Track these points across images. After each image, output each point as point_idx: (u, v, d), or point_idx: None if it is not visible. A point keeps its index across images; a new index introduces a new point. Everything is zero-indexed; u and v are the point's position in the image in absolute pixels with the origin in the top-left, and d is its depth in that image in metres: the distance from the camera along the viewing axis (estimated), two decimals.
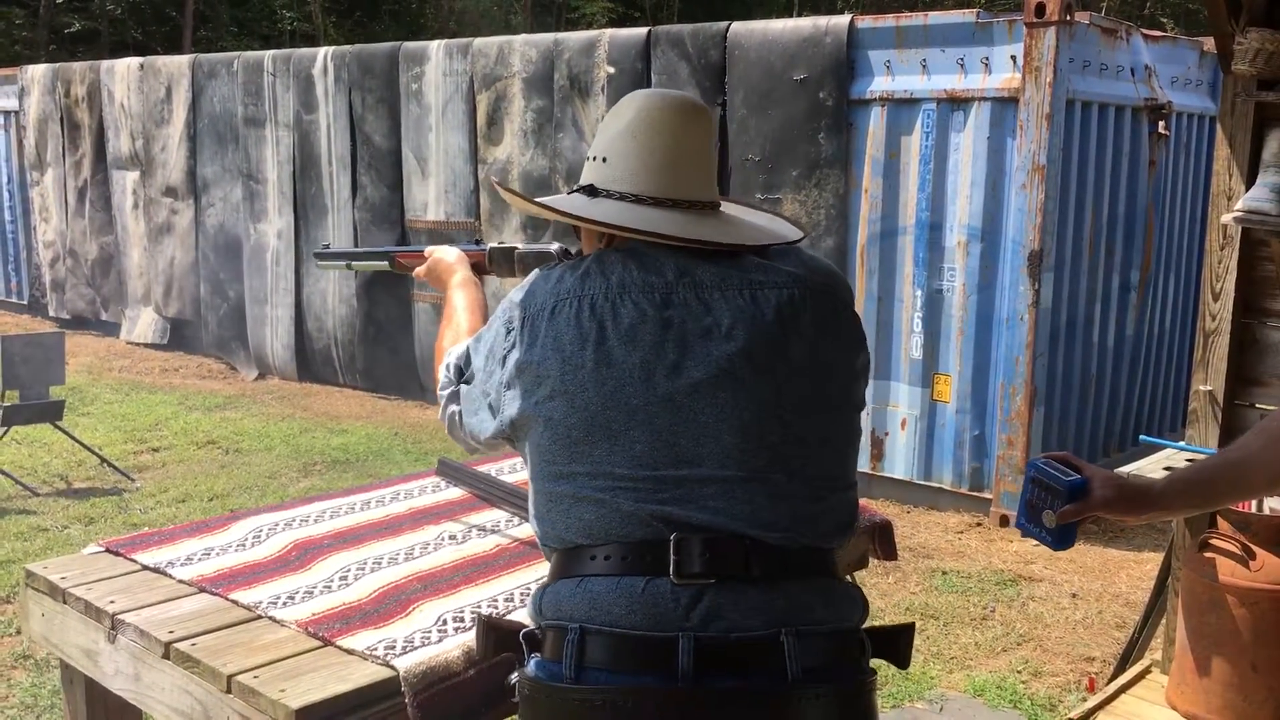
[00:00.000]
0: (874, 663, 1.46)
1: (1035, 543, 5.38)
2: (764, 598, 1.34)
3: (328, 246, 2.36)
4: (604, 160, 1.58)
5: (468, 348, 1.68)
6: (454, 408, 1.70)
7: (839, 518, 1.47)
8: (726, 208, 1.65)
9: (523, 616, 1.60)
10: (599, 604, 1.34)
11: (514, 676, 1.43)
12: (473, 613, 1.73)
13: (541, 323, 1.48)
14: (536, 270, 1.58)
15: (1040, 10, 5.23)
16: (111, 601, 1.76)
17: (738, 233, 1.58)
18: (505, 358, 1.52)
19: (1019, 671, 3.95)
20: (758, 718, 1.30)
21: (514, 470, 2.47)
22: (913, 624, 1.53)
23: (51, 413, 5.95)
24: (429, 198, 7.80)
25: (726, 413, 1.41)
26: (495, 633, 1.48)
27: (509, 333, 1.53)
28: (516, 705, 1.43)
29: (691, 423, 1.40)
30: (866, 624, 1.47)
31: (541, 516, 1.48)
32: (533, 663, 1.41)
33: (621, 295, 1.46)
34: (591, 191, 1.57)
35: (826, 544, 1.44)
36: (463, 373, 1.69)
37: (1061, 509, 1.62)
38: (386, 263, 2.33)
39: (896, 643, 1.47)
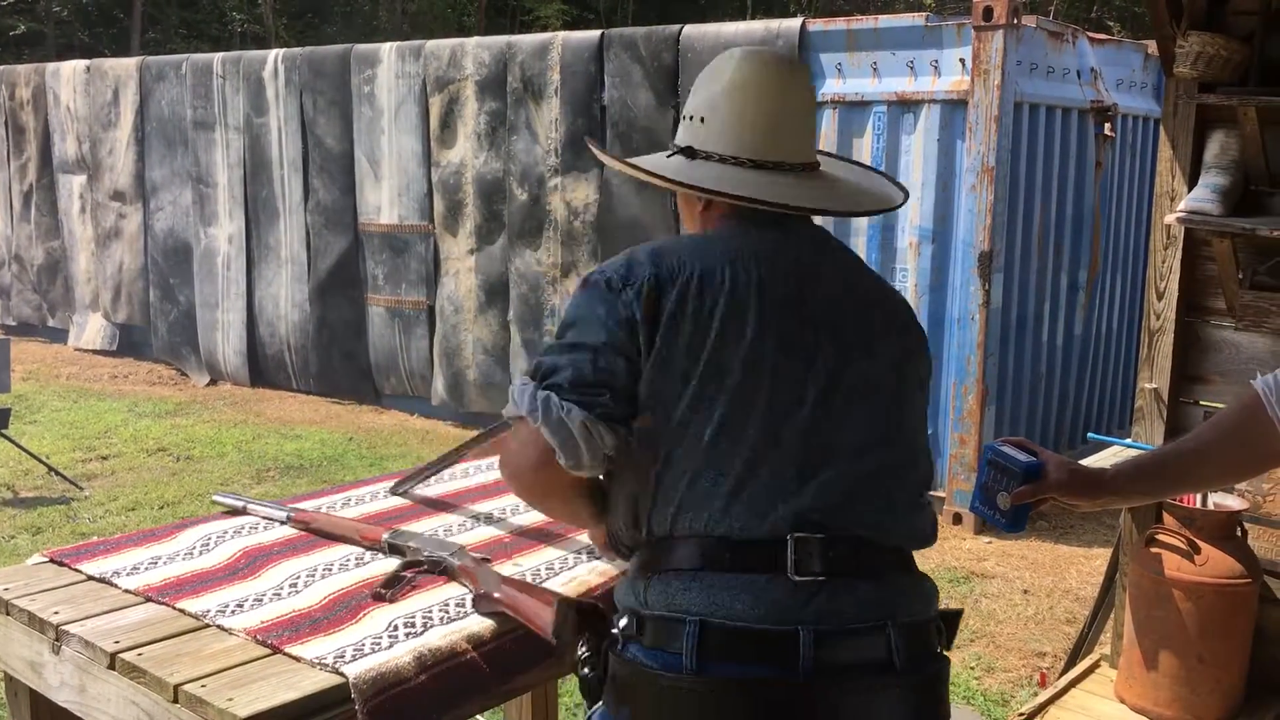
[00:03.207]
0: None
1: (989, 540, 5.40)
2: (873, 593, 1.39)
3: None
4: (701, 121, 1.54)
5: (555, 345, 1.48)
6: (542, 392, 1.44)
7: (928, 521, 1.53)
8: (826, 165, 1.62)
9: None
10: (719, 599, 1.36)
11: (584, 651, 1.46)
12: (424, 618, 1.72)
13: (689, 291, 1.41)
14: (638, 248, 1.47)
15: (988, 14, 5.29)
16: (56, 612, 1.73)
17: (841, 197, 1.57)
18: (633, 320, 1.41)
19: (972, 668, 3.99)
20: (870, 703, 1.36)
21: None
22: (961, 610, 1.61)
23: None
24: (382, 201, 7.75)
25: (855, 414, 1.45)
26: (577, 614, 1.51)
27: (639, 294, 1.41)
28: (469, 707, 1.43)
29: (825, 421, 1.43)
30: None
31: (655, 499, 1.43)
32: (634, 649, 1.40)
33: (764, 274, 1.44)
34: (690, 153, 1.53)
35: (915, 546, 1.51)
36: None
37: (1016, 490, 1.65)
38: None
39: (951, 627, 1.54)
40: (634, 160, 1.55)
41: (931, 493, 1.58)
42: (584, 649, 1.49)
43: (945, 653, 1.49)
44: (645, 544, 1.46)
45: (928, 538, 1.52)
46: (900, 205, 1.64)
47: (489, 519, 2.21)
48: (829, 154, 1.67)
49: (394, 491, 2.29)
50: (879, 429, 1.47)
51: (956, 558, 5.10)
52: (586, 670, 1.47)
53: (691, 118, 1.55)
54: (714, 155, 1.51)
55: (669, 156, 1.56)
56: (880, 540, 1.43)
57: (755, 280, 1.43)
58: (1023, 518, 1.69)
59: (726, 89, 1.52)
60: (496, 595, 1.71)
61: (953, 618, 1.54)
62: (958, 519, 5.56)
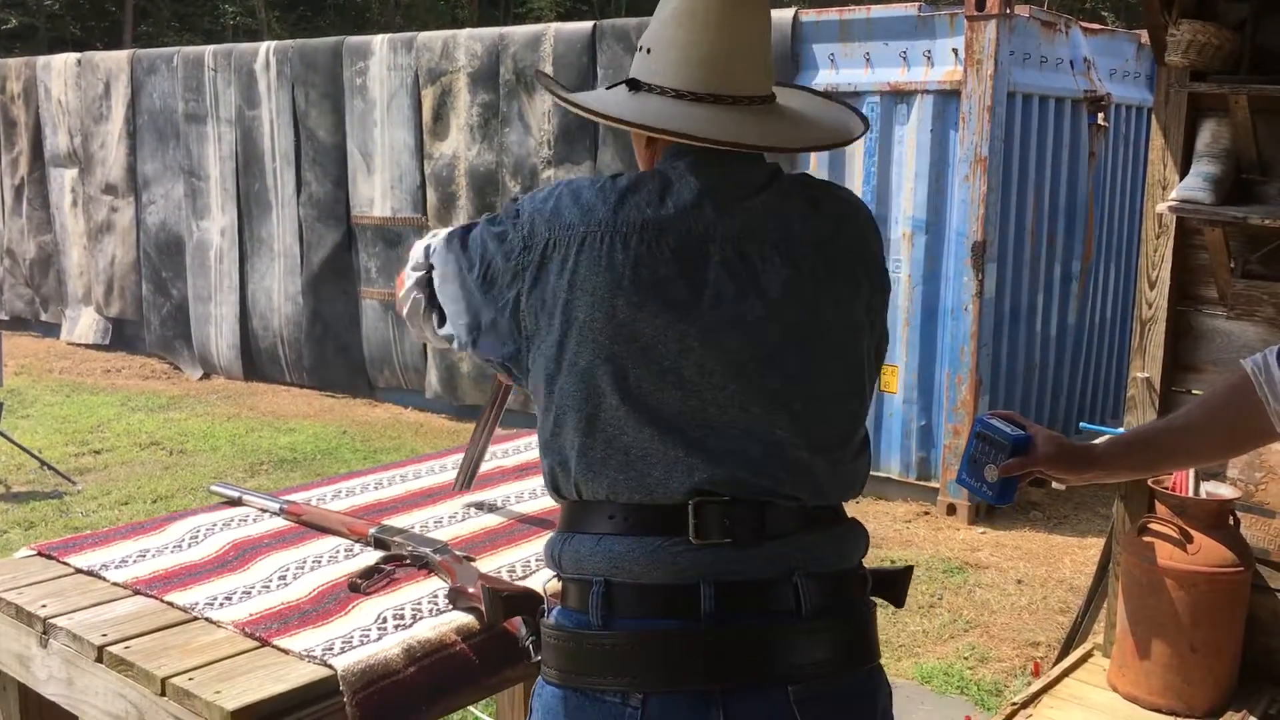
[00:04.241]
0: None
1: (983, 530, 5.40)
2: (778, 551, 1.36)
3: None
4: (648, 51, 1.45)
5: (456, 236, 1.52)
6: (420, 295, 1.59)
7: (851, 482, 1.45)
8: (784, 97, 1.50)
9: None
10: (619, 562, 1.36)
11: (523, 632, 1.50)
12: (413, 610, 1.71)
13: (571, 251, 1.37)
14: (561, 183, 1.45)
15: (981, 4, 5.28)
16: (43, 605, 1.73)
17: (790, 131, 1.46)
18: (516, 278, 1.40)
19: (966, 658, 3.99)
20: (774, 650, 1.35)
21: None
22: (911, 567, 1.57)
23: None
24: (375, 193, 7.73)
25: (760, 375, 1.37)
26: (501, 600, 1.54)
27: (525, 249, 1.40)
28: (461, 700, 1.43)
29: (720, 388, 1.36)
30: (870, 565, 1.51)
31: (557, 463, 1.42)
32: (555, 612, 1.42)
33: (659, 234, 1.36)
34: (634, 85, 1.45)
35: (837, 502, 1.45)
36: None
37: (1004, 463, 1.65)
38: None
39: (895, 584, 1.52)
40: (573, 96, 1.47)
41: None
42: (523, 628, 1.54)
43: (870, 603, 1.46)
44: (561, 503, 1.46)
45: (845, 495, 1.45)
46: (859, 137, 1.53)
47: (480, 509, 2.20)
48: (788, 85, 1.55)
49: (458, 488, 2.22)
50: (794, 384, 1.38)
51: (950, 548, 5.11)
52: (528, 644, 1.52)
53: (641, 48, 1.47)
54: (655, 88, 1.42)
55: (610, 87, 1.49)
56: (790, 505, 1.38)
57: (651, 229, 1.37)
58: (1010, 491, 1.68)
59: (670, 16, 1.43)
60: (470, 590, 1.71)
61: (892, 576, 1.51)
62: (951, 509, 5.56)
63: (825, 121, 1.52)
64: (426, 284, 1.58)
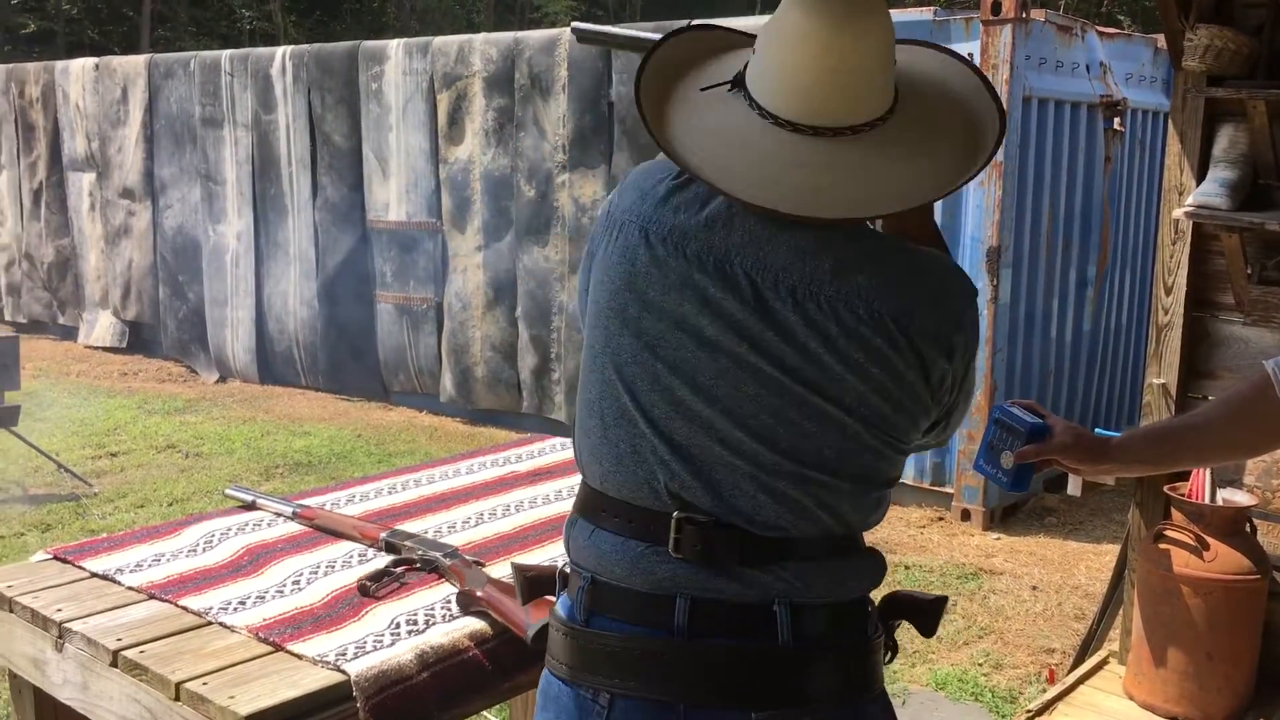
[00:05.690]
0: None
1: (998, 536, 5.37)
2: (759, 577, 1.33)
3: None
4: (754, 52, 1.37)
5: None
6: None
7: (851, 514, 1.38)
8: (901, 122, 1.34)
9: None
10: (604, 561, 1.37)
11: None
12: (426, 615, 1.72)
13: (614, 234, 1.38)
14: (642, 165, 1.44)
15: (996, 8, 5.27)
16: (59, 610, 1.73)
17: (852, 191, 1.31)
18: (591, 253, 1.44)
19: (980, 664, 3.98)
20: (750, 676, 1.33)
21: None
22: (945, 598, 1.51)
23: (6, 419, 5.85)
24: (390, 198, 7.76)
25: (748, 404, 1.32)
26: (528, 580, 1.54)
27: (606, 224, 1.43)
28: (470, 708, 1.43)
29: (709, 406, 1.33)
30: (901, 590, 1.48)
31: (577, 433, 1.45)
32: (560, 599, 1.45)
33: (682, 241, 1.33)
34: (739, 83, 1.37)
35: (837, 532, 1.38)
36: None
37: (1020, 450, 1.64)
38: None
39: (925, 613, 1.47)
40: (648, 113, 1.38)
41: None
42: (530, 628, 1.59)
43: (870, 634, 1.40)
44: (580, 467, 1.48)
45: (848, 524, 1.38)
46: (977, 172, 1.38)
47: (493, 515, 2.21)
48: (947, 52, 1.41)
49: (578, 35, 1.99)
50: (782, 420, 1.32)
51: (965, 554, 5.09)
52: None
53: (754, 47, 1.39)
54: (749, 97, 1.35)
55: (729, 86, 1.39)
56: (775, 535, 1.33)
57: (677, 234, 1.34)
58: (1025, 478, 1.68)
59: (772, 25, 1.33)
60: (479, 594, 1.72)
61: (923, 605, 1.46)
62: (966, 515, 5.54)
63: (906, 172, 1.35)
64: None
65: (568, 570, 1.44)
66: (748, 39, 1.44)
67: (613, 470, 1.37)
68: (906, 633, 1.49)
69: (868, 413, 1.33)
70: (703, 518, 1.33)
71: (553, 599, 1.49)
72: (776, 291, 1.31)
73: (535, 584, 1.56)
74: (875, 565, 1.43)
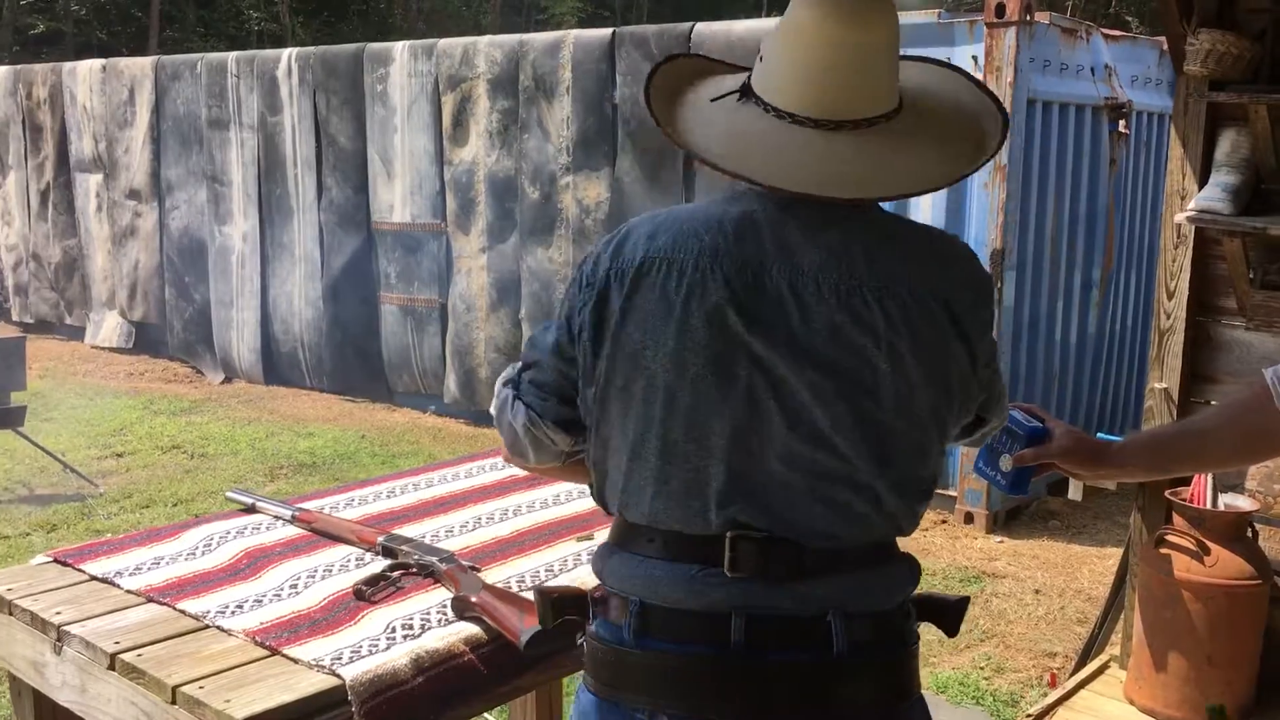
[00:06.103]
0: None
1: (1001, 539, 5.36)
2: (814, 589, 1.36)
3: None
4: (760, 59, 1.41)
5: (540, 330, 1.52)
6: (509, 392, 1.53)
7: (900, 519, 1.41)
8: (911, 115, 1.39)
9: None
10: (657, 586, 1.37)
11: (580, 636, 1.49)
12: (422, 620, 1.72)
13: (626, 280, 1.36)
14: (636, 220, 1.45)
15: (1000, 10, 5.26)
16: (58, 613, 1.74)
17: (892, 168, 1.36)
18: (585, 309, 1.40)
19: (981, 668, 3.98)
20: (804, 688, 1.34)
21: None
22: (967, 598, 1.54)
23: (13, 419, 5.88)
24: (395, 199, 7.77)
25: (805, 413, 1.34)
26: (551, 601, 1.49)
27: (591, 282, 1.40)
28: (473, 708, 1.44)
29: (763, 421, 1.34)
30: (926, 592, 1.49)
31: (604, 482, 1.44)
32: (597, 622, 1.44)
33: (714, 260, 1.33)
34: (747, 91, 1.42)
35: (885, 539, 1.42)
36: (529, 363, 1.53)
37: (1019, 452, 1.65)
38: None
39: (947, 614, 1.49)
40: (661, 117, 1.44)
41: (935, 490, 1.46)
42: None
43: (912, 639, 1.43)
44: (611, 517, 1.47)
45: (894, 529, 1.42)
46: (985, 161, 1.41)
47: (490, 520, 2.21)
48: (941, 64, 1.46)
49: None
50: (840, 425, 1.34)
51: (968, 557, 5.08)
52: (580, 643, 1.50)
53: (759, 55, 1.43)
54: (759, 100, 1.39)
55: (736, 96, 1.44)
56: (829, 546, 1.36)
57: (708, 255, 1.35)
58: (1024, 481, 1.70)
59: (779, 27, 1.38)
60: (474, 600, 1.72)
61: (946, 606, 1.48)
62: (969, 518, 5.54)
63: (918, 161, 1.39)
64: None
65: (598, 594, 1.44)
66: (733, 68, 1.51)
67: (663, 507, 1.37)
68: None
69: (918, 403, 1.37)
70: (757, 534, 1.34)
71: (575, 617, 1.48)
72: (819, 293, 1.33)
73: (559, 605, 1.49)
74: (914, 570, 1.46)
